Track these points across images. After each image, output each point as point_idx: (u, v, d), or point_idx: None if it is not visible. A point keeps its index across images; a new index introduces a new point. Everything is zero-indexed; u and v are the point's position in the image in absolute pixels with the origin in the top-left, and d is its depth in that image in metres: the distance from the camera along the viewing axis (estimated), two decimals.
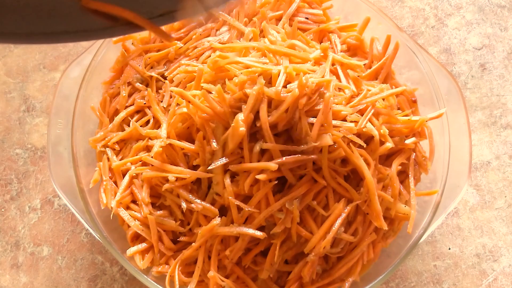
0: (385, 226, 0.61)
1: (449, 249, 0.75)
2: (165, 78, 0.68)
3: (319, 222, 0.61)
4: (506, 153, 0.79)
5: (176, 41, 0.69)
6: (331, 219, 0.60)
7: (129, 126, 0.67)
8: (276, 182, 0.59)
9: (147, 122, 0.67)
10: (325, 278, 0.64)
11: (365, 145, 0.60)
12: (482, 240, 0.76)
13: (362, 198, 0.60)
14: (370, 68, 0.68)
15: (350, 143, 0.60)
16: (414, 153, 0.65)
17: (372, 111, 0.61)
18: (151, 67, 0.69)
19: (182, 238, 0.63)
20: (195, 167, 0.62)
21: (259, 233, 0.59)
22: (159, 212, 0.63)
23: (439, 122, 0.66)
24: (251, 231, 0.59)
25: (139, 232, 0.63)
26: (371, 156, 0.61)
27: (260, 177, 0.57)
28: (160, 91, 0.68)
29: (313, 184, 0.61)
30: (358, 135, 0.61)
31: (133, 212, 0.64)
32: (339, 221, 0.60)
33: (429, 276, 0.74)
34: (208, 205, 0.61)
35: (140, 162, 0.64)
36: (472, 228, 0.76)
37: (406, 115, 0.65)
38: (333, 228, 0.60)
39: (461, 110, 0.66)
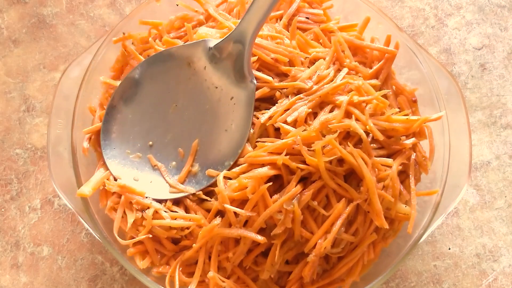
0: (386, 225, 0.61)
1: (449, 249, 0.75)
2: None
3: (320, 222, 0.61)
4: (506, 153, 0.79)
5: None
6: (331, 219, 0.60)
7: None
8: (271, 183, 0.60)
9: None
10: (326, 278, 0.64)
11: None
12: (482, 240, 0.76)
13: (362, 197, 0.60)
14: (370, 68, 0.68)
15: (348, 142, 0.61)
16: (414, 153, 0.65)
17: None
18: None
19: (183, 242, 0.63)
20: None
21: (259, 238, 0.59)
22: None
23: (439, 122, 0.66)
24: (252, 234, 0.59)
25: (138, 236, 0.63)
26: (366, 153, 0.61)
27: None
28: None
29: (310, 183, 0.61)
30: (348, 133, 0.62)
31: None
32: (340, 221, 0.60)
33: (429, 276, 0.74)
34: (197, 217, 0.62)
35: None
36: (472, 228, 0.76)
37: (406, 115, 0.65)
38: (334, 228, 0.60)
39: (461, 110, 0.66)
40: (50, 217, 0.76)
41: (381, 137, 0.62)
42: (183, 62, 0.65)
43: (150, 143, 0.65)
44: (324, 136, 0.61)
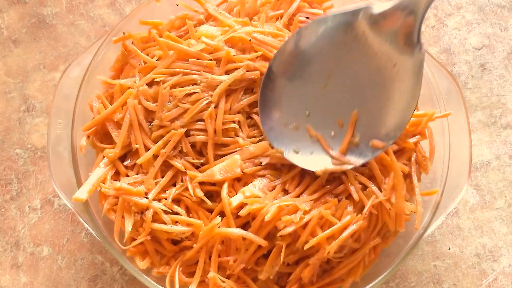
0: (403, 228, 0.62)
1: (449, 249, 0.75)
2: None
3: (326, 226, 0.61)
4: (506, 153, 0.79)
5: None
6: (341, 228, 0.60)
7: None
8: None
9: None
10: (326, 278, 0.64)
11: None
12: (482, 240, 0.76)
13: (387, 194, 0.61)
14: None
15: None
16: (415, 153, 0.65)
17: None
18: None
19: (183, 243, 0.63)
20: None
21: (262, 242, 0.59)
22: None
23: (439, 122, 0.66)
24: (253, 236, 0.59)
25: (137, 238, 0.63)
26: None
27: None
28: None
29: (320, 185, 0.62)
30: None
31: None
32: (348, 230, 0.60)
33: (429, 276, 0.74)
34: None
35: None
36: (472, 228, 0.76)
37: None
38: (342, 235, 0.60)
39: (461, 110, 0.66)
40: (50, 217, 0.76)
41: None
42: (340, 28, 0.60)
43: (307, 113, 0.62)
44: None
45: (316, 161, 0.61)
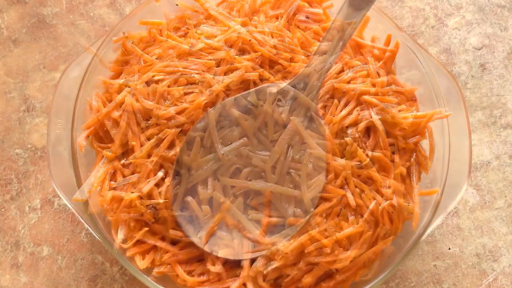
0: (400, 229, 0.63)
1: (449, 249, 0.75)
2: None
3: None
4: (506, 153, 0.79)
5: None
6: (349, 237, 0.60)
7: None
8: None
9: None
10: (327, 281, 0.64)
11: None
12: (482, 240, 0.76)
13: (389, 197, 0.61)
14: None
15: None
16: (415, 153, 0.65)
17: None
18: None
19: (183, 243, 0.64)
20: None
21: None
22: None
23: (439, 122, 0.66)
24: None
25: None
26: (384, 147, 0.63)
27: None
28: None
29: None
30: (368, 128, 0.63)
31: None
32: (360, 244, 0.61)
33: (429, 276, 0.74)
34: None
35: None
36: (472, 228, 0.76)
37: (410, 112, 0.66)
38: (354, 249, 0.60)
39: (461, 110, 0.66)
40: (50, 217, 0.76)
41: (408, 117, 0.63)
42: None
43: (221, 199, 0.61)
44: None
45: (238, 248, 0.60)
